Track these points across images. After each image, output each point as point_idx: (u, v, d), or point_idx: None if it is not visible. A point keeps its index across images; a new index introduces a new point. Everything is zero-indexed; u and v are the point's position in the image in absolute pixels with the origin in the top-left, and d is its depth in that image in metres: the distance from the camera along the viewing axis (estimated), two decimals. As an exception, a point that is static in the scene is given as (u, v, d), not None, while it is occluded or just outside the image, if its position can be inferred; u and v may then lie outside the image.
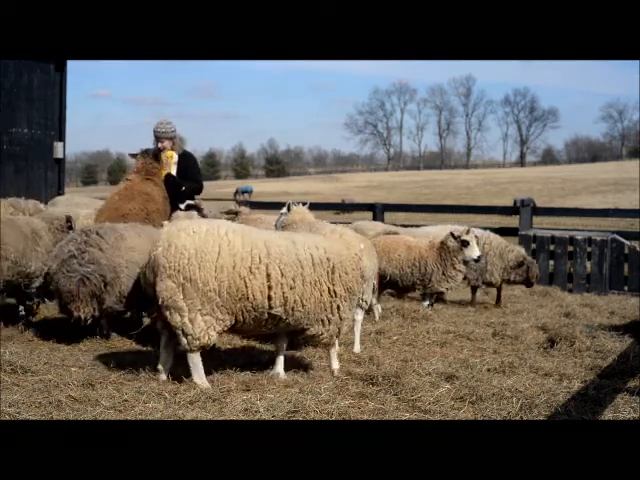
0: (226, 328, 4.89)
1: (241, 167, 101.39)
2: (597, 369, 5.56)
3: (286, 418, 4.19)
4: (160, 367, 4.99)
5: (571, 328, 6.81)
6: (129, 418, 4.14)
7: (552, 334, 6.61)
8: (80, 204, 9.42)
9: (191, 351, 4.83)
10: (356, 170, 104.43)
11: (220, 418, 4.17)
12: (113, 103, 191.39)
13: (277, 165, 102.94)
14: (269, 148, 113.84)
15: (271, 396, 4.57)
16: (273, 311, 4.84)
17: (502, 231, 10.88)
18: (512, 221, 14.33)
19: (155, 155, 7.40)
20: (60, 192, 11.82)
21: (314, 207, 8.15)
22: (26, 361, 5.25)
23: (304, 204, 7.57)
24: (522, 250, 9.09)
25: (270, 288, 4.79)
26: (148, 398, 4.48)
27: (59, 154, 11.87)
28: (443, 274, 7.78)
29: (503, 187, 55.25)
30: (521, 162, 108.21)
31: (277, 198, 36.30)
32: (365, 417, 4.31)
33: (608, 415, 4.40)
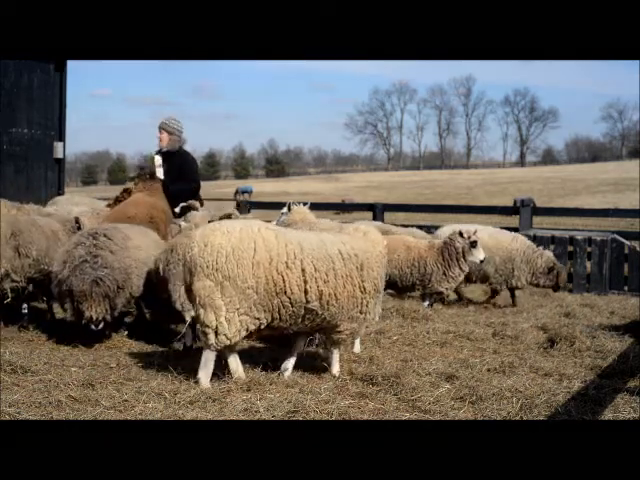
0: (262, 327, 4.94)
1: (241, 167, 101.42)
2: (597, 369, 5.56)
3: (286, 418, 4.19)
4: (237, 371, 5.02)
5: (571, 328, 6.81)
6: (129, 418, 4.14)
7: (552, 334, 6.61)
8: (80, 204, 9.42)
9: (214, 349, 4.86)
10: (356, 170, 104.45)
11: (220, 418, 4.17)
12: (113, 103, 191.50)
13: (277, 165, 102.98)
14: (269, 148, 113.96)
15: (271, 396, 4.57)
16: (310, 305, 4.90)
17: (502, 231, 10.88)
18: (512, 221, 14.35)
19: (152, 174, 7.67)
20: (60, 192, 11.83)
21: (314, 207, 8.16)
22: (26, 361, 5.25)
23: (304, 204, 7.58)
24: (551, 254, 9.04)
25: (306, 282, 4.87)
26: (148, 398, 4.48)
27: (59, 154, 11.87)
28: (444, 274, 7.77)
29: (503, 187, 55.25)
30: (521, 162, 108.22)
31: (277, 198, 36.29)
32: (365, 417, 4.31)
33: (608, 415, 4.40)
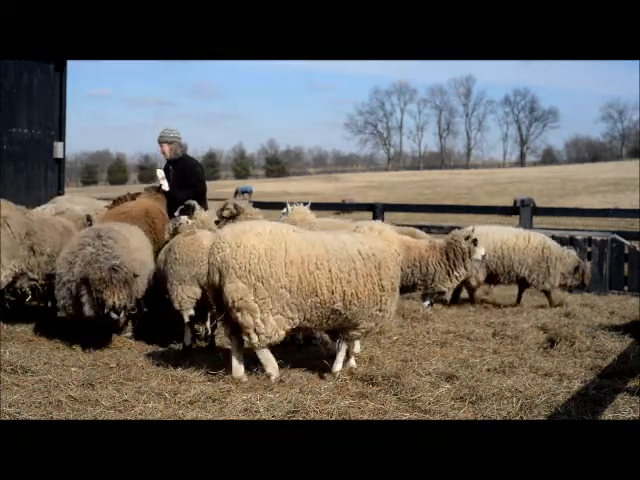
0: (294, 326, 5.00)
1: (241, 167, 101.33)
2: (597, 369, 5.56)
3: (286, 418, 4.19)
4: (238, 371, 5.04)
5: (571, 328, 6.81)
6: (129, 418, 4.14)
7: (552, 334, 6.61)
8: (79, 204, 9.41)
9: (261, 348, 4.92)
10: (356, 170, 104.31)
11: (220, 418, 4.17)
12: (113, 103, 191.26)
13: (277, 165, 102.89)
14: (269, 148, 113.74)
15: (271, 396, 4.57)
16: (335, 306, 4.97)
17: (502, 231, 10.85)
18: (512, 221, 14.32)
19: (157, 188, 8.05)
20: (60, 192, 11.80)
21: (314, 207, 8.16)
22: (26, 361, 5.26)
23: (305, 204, 7.58)
24: (575, 253, 9.00)
25: (332, 283, 4.94)
26: (148, 398, 4.48)
27: (59, 154, 11.86)
28: (448, 274, 7.80)
29: (503, 187, 55.23)
30: (521, 162, 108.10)
31: (277, 198, 36.28)
32: (365, 417, 4.31)
33: (608, 415, 4.40)
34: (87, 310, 5.70)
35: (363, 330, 5.28)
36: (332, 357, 5.57)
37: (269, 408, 4.31)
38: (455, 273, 7.79)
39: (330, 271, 4.92)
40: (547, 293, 8.95)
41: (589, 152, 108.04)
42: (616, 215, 15.88)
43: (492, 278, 8.86)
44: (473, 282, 8.74)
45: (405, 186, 61.09)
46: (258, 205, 13.33)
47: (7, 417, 4.06)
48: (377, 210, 11.77)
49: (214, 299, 5.04)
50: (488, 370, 5.44)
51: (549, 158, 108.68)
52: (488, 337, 6.80)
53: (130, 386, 4.77)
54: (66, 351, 5.85)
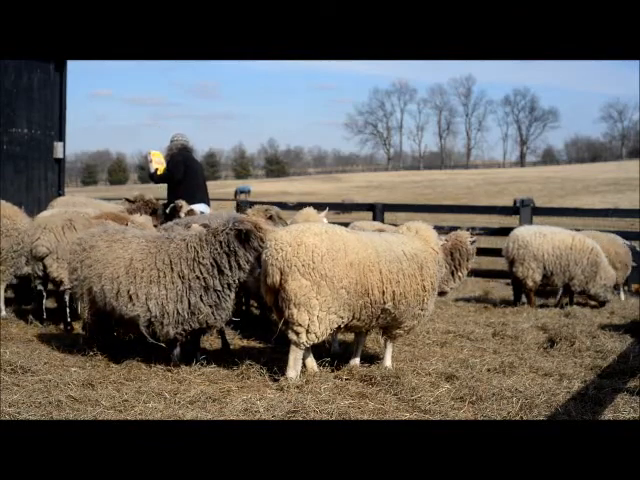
0: (342, 326, 5.06)
1: (241, 167, 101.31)
2: (597, 369, 5.56)
3: (286, 418, 4.19)
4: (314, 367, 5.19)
5: (571, 328, 6.81)
6: (129, 418, 4.14)
7: (552, 334, 6.62)
8: (77, 204, 9.40)
9: (303, 347, 4.95)
10: (356, 170, 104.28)
11: (220, 418, 4.17)
12: (113, 103, 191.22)
13: (277, 165, 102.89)
14: (269, 148, 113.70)
15: (271, 396, 4.57)
16: (386, 306, 5.04)
17: (502, 231, 10.87)
18: (512, 221, 14.33)
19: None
20: (60, 192, 11.82)
21: (314, 207, 8.16)
22: (26, 361, 5.25)
23: (301, 205, 7.62)
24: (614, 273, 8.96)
25: (382, 284, 5.00)
26: (148, 398, 4.48)
27: (59, 154, 11.87)
28: (452, 274, 7.83)
29: (503, 187, 55.27)
30: (521, 162, 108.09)
31: (276, 198, 36.25)
32: (365, 417, 4.30)
33: (608, 415, 4.40)
34: (244, 266, 5.10)
35: (406, 328, 5.37)
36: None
37: (269, 408, 4.31)
38: (459, 273, 7.82)
39: (381, 272, 5.00)
40: (572, 294, 8.94)
41: (589, 152, 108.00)
42: (616, 215, 15.85)
43: (546, 279, 8.79)
44: (530, 283, 8.70)
45: (405, 186, 61.10)
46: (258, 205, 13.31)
47: (7, 417, 4.05)
48: (377, 210, 11.75)
49: (271, 301, 5.04)
50: (488, 370, 5.44)
51: (549, 158, 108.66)
52: (488, 337, 6.80)
53: (130, 386, 4.77)
54: (66, 351, 5.85)
